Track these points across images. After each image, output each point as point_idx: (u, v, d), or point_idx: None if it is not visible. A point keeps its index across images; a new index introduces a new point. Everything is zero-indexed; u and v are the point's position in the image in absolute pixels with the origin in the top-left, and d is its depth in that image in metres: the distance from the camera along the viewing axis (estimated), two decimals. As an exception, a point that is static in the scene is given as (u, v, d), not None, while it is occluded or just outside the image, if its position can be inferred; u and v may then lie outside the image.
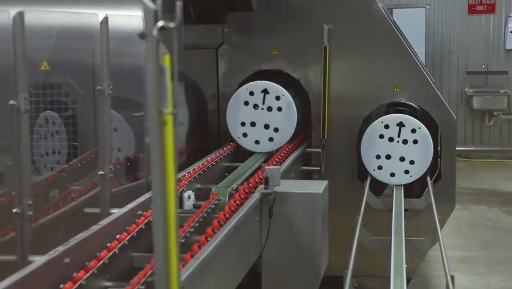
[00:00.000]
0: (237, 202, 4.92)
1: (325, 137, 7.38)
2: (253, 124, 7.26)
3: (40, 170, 4.90)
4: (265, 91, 7.22)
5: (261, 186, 5.18)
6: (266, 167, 5.20)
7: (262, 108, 7.25)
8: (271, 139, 7.22)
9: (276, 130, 7.23)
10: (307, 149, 7.58)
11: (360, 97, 7.37)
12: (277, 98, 7.21)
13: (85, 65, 5.26)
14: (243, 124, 7.27)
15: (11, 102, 3.98)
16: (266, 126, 7.24)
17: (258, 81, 7.32)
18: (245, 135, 7.28)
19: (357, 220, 5.68)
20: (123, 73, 5.49)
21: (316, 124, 7.52)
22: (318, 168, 7.41)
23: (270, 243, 5.13)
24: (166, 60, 2.45)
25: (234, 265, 4.68)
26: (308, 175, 7.48)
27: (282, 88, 7.24)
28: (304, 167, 7.49)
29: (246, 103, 7.26)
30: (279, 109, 7.22)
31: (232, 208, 4.77)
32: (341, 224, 6.05)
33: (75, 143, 5.20)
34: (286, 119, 7.23)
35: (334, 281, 5.80)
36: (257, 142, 7.27)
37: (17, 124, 4.03)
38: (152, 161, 2.45)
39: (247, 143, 7.31)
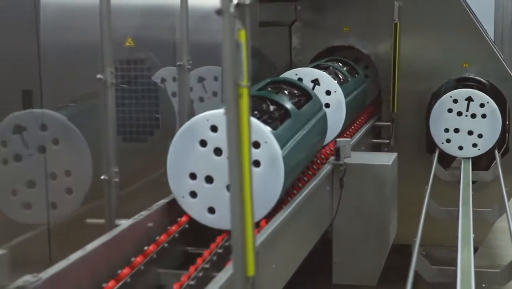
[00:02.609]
0: (310, 172, 4.95)
1: (395, 111, 7.31)
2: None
3: (125, 139, 5.04)
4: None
5: (332, 158, 5.20)
6: (338, 140, 5.22)
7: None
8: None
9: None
10: (377, 123, 7.49)
11: (429, 72, 7.29)
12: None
13: (166, 42, 5.34)
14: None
15: (99, 76, 4.07)
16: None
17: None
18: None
19: (426, 191, 5.68)
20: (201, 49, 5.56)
21: (386, 98, 7.45)
22: (388, 141, 7.37)
23: (341, 212, 5.14)
24: (242, 36, 2.50)
25: (306, 232, 4.72)
26: (377, 148, 7.43)
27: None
28: (374, 140, 7.44)
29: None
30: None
31: (305, 178, 4.80)
32: (410, 195, 6.04)
33: (158, 115, 5.31)
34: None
35: (402, 250, 5.76)
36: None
37: (105, 97, 4.13)
38: (228, 129, 2.53)
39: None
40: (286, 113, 4.47)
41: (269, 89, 5.08)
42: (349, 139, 5.60)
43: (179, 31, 5.05)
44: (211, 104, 6.02)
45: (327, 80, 5.85)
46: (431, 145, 7.06)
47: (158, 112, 5.34)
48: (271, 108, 4.45)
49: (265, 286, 3.13)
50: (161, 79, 5.58)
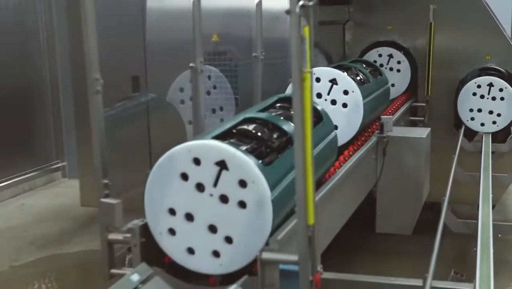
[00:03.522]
0: (359, 142, 4.96)
1: (429, 94, 7.31)
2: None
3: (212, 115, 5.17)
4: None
5: (377, 131, 5.21)
6: (382, 116, 5.27)
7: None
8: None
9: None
10: (414, 104, 7.48)
11: (457, 63, 7.28)
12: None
13: (244, 37, 5.39)
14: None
15: (191, 64, 4.14)
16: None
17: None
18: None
19: (453, 159, 5.68)
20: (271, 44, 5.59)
21: (422, 83, 7.45)
22: (423, 118, 7.35)
23: (383, 175, 5.19)
24: (306, 31, 2.54)
25: (355, 191, 4.73)
26: (414, 124, 7.41)
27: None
28: (411, 118, 7.42)
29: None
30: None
31: (355, 148, 4.81)
32: (440, 162, 5.99)
33: (236, 96, 5.39)
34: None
35: (433, 206, 5.77)
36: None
37: (195, 81, 4.18)
38: (294, 106, 2.56)
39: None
40: (288, 141, 3.26)
41: (278, 105, 3.92)
42: (391, 116, 5.58)
43: (255, 29, 5.11)
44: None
45: (345, 80, 4.82)
46: (458, 122, 7.05)
47: (237, 93, 5.41)
48: (273, 134, 3.29)
49: (321, 233, 3.15)
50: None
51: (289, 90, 4.62)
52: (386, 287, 3.19)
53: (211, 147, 2.66)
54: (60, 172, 9.27)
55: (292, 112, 3.39)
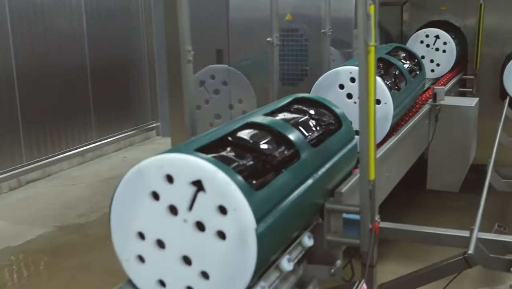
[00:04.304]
0: (414, 109, 4.87)
1: (477, 68, 7.07)
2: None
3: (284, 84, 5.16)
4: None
5: (430, 100, 5.12)
6: (435, 87, 5.18)
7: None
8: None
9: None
10: (463, 76, 7.23)
11: (504, 40, 6.99)
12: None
13: (314, 16, 5.33)
14: None
15: (268, 39, 4.11)
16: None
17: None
18: None
19: (498, 126, 5.50)
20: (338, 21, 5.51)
21: (471, 58, 7.20)
22: (471, 89, 7.11)
23: (435, 139, 5.09)
24: (371, 9, 2.53)
25: (410, 152, 4.66)
26: (463, 94, 7.18)
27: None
28: (460, 89, 7.19)
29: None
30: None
31: (410, 114, 4.73)
32: (486, 129, 5.80)
33: (306, 67, 5.37)
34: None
35: (478, 168, 5.62)
36: None
37: (271, 54, 4.16)
38: (359, 75, 2.53)
39: None
40: (293, 155, 2.38)
41: (293, 108, 2.92)
42: (443, 87, 5.43)
43: (323, 8, 5.02)
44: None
45: (380, 88, 3.70)
46: (503, 93, 6.77)
47: (307, 65, 5.40)
48: (276, 146, 2.36)
49: (380, 188, 3.11)
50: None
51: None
52: (436, 236, 3.13)
53: (186, 162, 1.83)
54: (155, 131, 9.46)
55: (308, 114, 2.82)
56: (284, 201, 2.15)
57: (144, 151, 8.56)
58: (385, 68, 4.49)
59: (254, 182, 2.05)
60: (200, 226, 1.84)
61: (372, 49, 2.50)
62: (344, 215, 2.70)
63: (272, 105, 2.86)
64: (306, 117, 2.83)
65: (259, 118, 2.52)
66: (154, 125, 9.43)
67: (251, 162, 2.16)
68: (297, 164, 2.33)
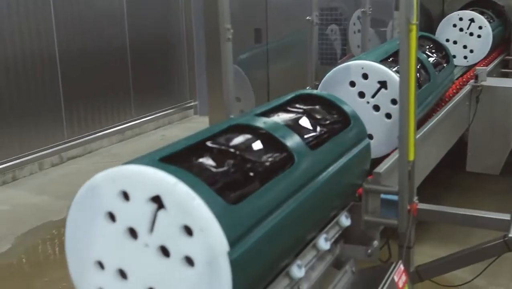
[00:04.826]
0: (454, 90, 4.78)
1: (521, 48, 6.87)
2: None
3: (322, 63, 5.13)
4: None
5: (472, 81, 5.01)
6: (477, 68, 5.05)
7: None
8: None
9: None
10: (506, 57, 7.03)
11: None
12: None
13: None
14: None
15: (308, 18, 4.08)
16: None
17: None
18: None
19: (541, 108, 5.37)
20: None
21: (515, 39, 7.00)
22: (513, 70, 6.93)
23: (476, 121, 4.99)
24: None
25: (450, 132, 4.59)
26: (506, 75, 7.00)
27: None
28: (503, 70, 7.00)
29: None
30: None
31: (451, 94, 4.64)
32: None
33: (344, 47, 5.33)
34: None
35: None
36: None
37: (311, 33, 4.13)
38: (400, 54, 2.50)
39: None
40: (286, 160, 1.96)
41: (293, 106, 2.46)
42: (485, 67, 5.31)
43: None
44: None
45: (396, 86, 2.80)
46: (546, 73, 6.61)
47: (345, 44, 5.34)
48: (265, 152, 1.94)
49: (419, 168, 3.06)
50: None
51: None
52: (475, 219, 3.07)
53: (141, 175, 1.50)
54: (192, 109, 9.51)
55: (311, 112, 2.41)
56: (271, 215, 1.73)
57: (182, 130, 8.62)
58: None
59: (231, 194, 1.66)
60: (165, 251, 1.49)
61: (414, 27, 2.47)
62: (382, 196, 2.67)
63: (270, 103, 2.41)
64: (305, 115, 2.38)
65: (247, 119, 2.09)
66: (192, 104, 9.47)
67: (230, 171, 1.75)
68: (290, 170, 1.91)
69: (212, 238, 1.43)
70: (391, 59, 3.58)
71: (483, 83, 4.93)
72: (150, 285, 1.53)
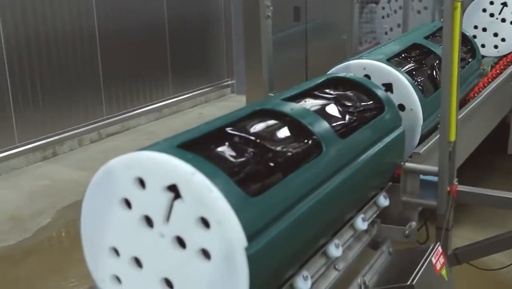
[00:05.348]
0: (498, 71, 4.65)
1: None
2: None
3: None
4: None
5: (517, 60, 4.88)
6: (521, 47, 4.88)
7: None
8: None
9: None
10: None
11: None
12: None
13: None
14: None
15: (349, -5, 4.03)
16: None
17: None
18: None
19: None
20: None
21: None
22: None
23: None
24: None
25: (491, 114, 4.48)
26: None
27: None
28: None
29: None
30: None
31: (494, 75, 4.53)
32: None
33: (385, 25, 5.24)
34: None
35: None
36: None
37: (352, 11, 4.07)
38: (444, 32, 2.44)
39: None
40: (314, 149, 1.84)
41: (323, 91, 2.31)
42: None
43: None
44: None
45: (403, 89, 2.71)
46: None
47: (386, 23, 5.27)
48: (291, 140, 1.82)
49: (460, 149, 3.00)
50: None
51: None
52: (516, 202, 3.00)
53: (157, 163, 1.43)
54: (230, 88, 9.50)
55: (332, 102, 2.19)
56: (293, 208, 1.64)
57: (219, 108, 8.63)
58: (422, 57, 3.23)
59: (252, 185, 1.57)
60: (181, 242, 1.43)
61: (459, 5, 2.40)
62: (421, 177, 2.64)
63: (299, 87, 2.26)
64: (336, 101, 2.21)
65: (273, 104, 1.96)
66: (229, 82, 9.47)
67: (251, 160, 1.63)
68: (317, 160, 1.80)
69: (230, 231, 1.35)
70: (403, 55, 3.11)
71: (529, 62, 4.80)
72: (165, 276, 1.47)
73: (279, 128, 1.86)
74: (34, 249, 4.66)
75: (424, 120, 2.75)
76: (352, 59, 2.86)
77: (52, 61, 6.57)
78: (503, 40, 4.96)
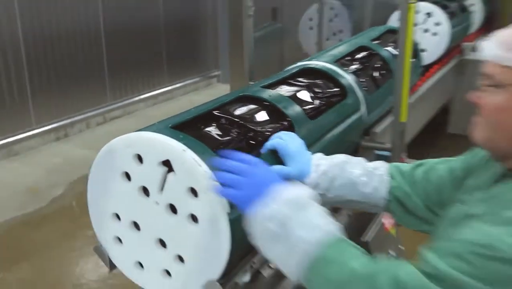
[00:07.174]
0: (442, 63, 4.69)
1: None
2: None
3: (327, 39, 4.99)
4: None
5: (457, 55, 4.89)
6: (463, 43, 4.88)
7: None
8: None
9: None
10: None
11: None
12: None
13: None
14: None
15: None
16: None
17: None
18: None
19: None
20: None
21: (496, 18, 6.70)
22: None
23: (458, 90, 4.92)
24: None
25: (435, 99, 4.52)
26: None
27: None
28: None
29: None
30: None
31: (438, 66, 4.57)
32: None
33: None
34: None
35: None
36: None
37: (320, 11, 4.03)
38: (400, 30, 2.45)
39: None
40: (288, 127, 1.83)
41: (299, 81, 2.27)
42: (472, 43, 5.13)
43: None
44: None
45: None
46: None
47: (351, 21, 5.20)
48: (267, 123, 1.81)
49: (410, 129, 3.04)
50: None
51: (391, 21, 4.35)
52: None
53: (153, 142, 1.44)
54: (216, 78, 9.46)
55: (304, 90, 2.15)
56: None
57: (206, 95, 8.59)
58: (367, 60, 2.82)
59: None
60: (173, 209, 1.44)
61: (412, 6, 2.40)
62: (377, 152, 2.65)
63: (274, 77, 2.24)
64: (305, 88, 2.21)
65: (253, 91, 1.98)
66: (215, 73, 9.42)
67: (235, 139, 1.64)
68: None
69: (215, 200, 1.36)
70: (350, 57, 2.71)
71: (467, 57, 4.83)
72: (159, 237, 1.49)
73: (258, 111, 1.86)
74: (49, 215, 4.66)
75: (368, 114, 2.51)
76: (305, 60, 2.59)
77: (64, 54, 6.48)
78: (422, 50, 4.02)
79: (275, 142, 1.54)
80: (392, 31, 3.18)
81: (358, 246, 1.20)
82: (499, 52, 1.19)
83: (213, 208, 1.37)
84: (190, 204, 1.40)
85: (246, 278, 1.47)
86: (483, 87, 1.25)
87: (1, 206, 4.75)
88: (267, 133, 1.73)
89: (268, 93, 1.96)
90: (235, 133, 1.66)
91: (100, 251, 1.57)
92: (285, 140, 1.55)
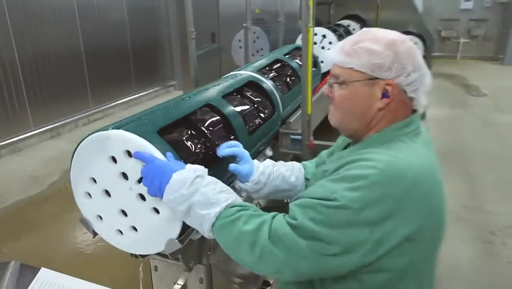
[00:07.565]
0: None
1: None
2: None
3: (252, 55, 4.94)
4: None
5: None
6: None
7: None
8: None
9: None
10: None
11: (393, 27, 6.70)
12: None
13: (273, 10, 5.10)
14: None
15: (244, 24, 3.88)
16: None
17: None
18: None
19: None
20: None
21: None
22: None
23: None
24: (311, 2, 2.35)
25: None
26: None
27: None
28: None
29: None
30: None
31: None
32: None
33: (268, 43, 5.15)
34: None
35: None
36: None
37: (245, 35, 3.97)
38: (302, 49, 2.44)
39: None
40: (227, 134, 1.74)
41: (249, 94, 2.13)
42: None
43: (279, 5, 4.80)
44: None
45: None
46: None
47: (269, 42, 5.16)
48: (213, 130, 1.67)
49: (314, 119, 3.08)
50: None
51: (298, 41, 4.38)
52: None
53: (143, 146, 1.33)
54: (173, 86, 9.23)
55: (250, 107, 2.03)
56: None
57: (166, 100, 8.39)
58: (281, 69, 2.81)
59: (189, 160, 1.48)
60: (142, 197, 1.36)
61: (310, 29, 2.40)
62: (291, 136, 2.67)
63: (213, 84, 2.07)
64: (253, 105, 2.07)
65: (216, 99, 1.83)
66: (172, 83, 9.17)
67: (188, 141, 1.54)
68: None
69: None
70: (269, 67, 2.68)
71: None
72: (124, 209, 1.40)
73: (217, 121, 1.74)
74: (48, 197, 4.42)
75: (283, 109, 2.52)
76: (236, 70, 2.50)
77: (54, 70, 6.12)
78: (321, 62, 3.82)
79: (236, 150, 1.49)
80: (299, 48, 3.16)
81: (248, 205, 1.19)
82: (341, 57, 1.19)
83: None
84: (156, 201, 1.33)
85: (198, 235, 1.45)
86: (333, 84, 1.25)
87: (9, 191, 4.47)
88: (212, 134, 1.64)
89: (227, 108, 1.80)
90: (189, 134, 1.56)
91: (84, 221, 1.50)
92: (241, 149, 1.51)
